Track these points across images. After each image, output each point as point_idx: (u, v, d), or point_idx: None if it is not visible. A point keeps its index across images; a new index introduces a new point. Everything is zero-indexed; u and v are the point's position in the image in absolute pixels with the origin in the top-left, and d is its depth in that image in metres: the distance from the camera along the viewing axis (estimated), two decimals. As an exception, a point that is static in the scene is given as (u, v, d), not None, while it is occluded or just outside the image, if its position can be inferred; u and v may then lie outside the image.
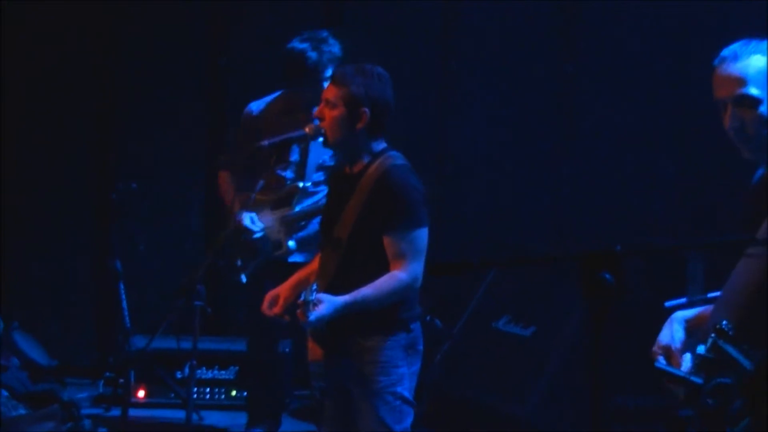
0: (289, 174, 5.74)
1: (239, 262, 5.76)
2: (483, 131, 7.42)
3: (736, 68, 3.13)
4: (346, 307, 4.18)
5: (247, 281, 5.76)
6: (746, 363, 2.90)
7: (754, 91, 3.11)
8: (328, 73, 5.59)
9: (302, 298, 4.18)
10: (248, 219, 5.63)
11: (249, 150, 5.60)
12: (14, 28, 7.34)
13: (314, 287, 4.18)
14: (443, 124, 7.55)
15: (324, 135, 4.43)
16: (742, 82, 3.12)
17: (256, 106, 5.88)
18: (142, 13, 7.49)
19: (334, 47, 5.64)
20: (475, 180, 7.43)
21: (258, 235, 5.65)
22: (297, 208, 5.69)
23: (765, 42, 3.14)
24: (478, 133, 7.43)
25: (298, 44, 5.63)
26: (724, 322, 3.01)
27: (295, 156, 5.75)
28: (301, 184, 5.68)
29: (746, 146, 3.17)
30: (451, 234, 7.09)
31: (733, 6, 6.69)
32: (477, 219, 7.36)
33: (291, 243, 5.67)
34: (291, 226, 5.69)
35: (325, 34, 5.69)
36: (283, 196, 5.69)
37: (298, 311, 4.15)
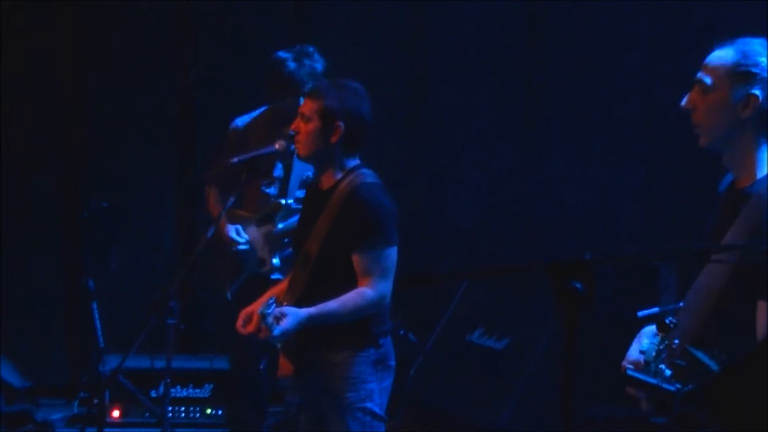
0: (272, 190, 5.70)
1: (223, 280, 5.74)
2: (452, 140, 7.41)
3: (709, 56, 3.23)
4: (311, 320, 4.17)
5: (231, 298, 5.73)
6: (713, 365, 2.92)
7: (707, 79, 3.20)
8: (308, 88, 5.59)
9: (260, 311, 4.16)
10: (233, 230, 5.63)
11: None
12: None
13: (272, 301, 4.17)
14: (412, 133, 7.55)
15: (296, 149, 4.43)
16: (704, 67, 3.23)
17: (241, 121, 5.83)
18: (111, 26, 7.46)
19: (317, 63, 5.58)
20: (445, 189, 7.43)
21: (242, 247, 5.64)
22: (280, 225, 5.66)
23: (753, 41, 3.20)
24: (447, 141, 7.42)
25: (281, 54, 5.61)
26: (668, 318, 3.05)
27: (278, 172, 5.73)
28: (283, 201, 5.66)
29: (698, 129, 3.25)
30: (422, 245, 7.10)
31: (700, 11, 6.75)
32: (449, 229, 7.34)
33: (275, 260, 5.65)
34: (275, 243, 5.67)
35: (311, 49, 5.64)
36: (266, 213, 5.67)
37: (262, 326, 4.14)
